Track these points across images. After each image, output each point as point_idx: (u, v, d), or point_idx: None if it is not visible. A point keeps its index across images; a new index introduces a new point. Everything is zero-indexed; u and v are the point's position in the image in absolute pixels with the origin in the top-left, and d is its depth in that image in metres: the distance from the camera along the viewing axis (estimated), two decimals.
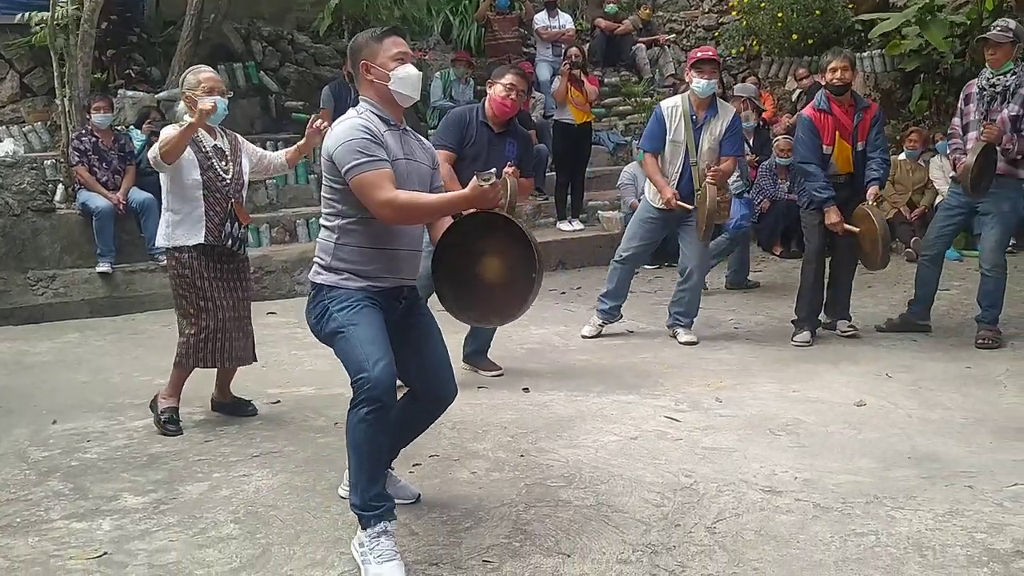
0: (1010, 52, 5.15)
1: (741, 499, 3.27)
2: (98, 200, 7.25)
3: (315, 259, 2.98)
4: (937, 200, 8.49)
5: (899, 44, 9.71)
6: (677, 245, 5.88)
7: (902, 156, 8.65)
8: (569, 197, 9.16)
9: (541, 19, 10.97)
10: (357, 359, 2.76)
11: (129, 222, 7.49)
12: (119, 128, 8.01)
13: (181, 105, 4.23)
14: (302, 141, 4.40)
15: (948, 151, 5.49)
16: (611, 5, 11.90)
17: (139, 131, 8.07)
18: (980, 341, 5.35)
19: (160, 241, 4.24)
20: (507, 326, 4.76)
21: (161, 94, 8.96)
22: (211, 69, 4.24)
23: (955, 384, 4.66)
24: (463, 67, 10.15)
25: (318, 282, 2.93)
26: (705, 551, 2.88)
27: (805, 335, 5.62)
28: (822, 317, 5.84)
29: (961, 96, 5.44)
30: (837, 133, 5.33)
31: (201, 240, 4.08)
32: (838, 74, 5.26)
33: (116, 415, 4.44)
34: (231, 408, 4.37)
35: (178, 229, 4.10)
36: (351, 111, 2.96)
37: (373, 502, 2.76)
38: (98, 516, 3.25)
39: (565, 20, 11.08)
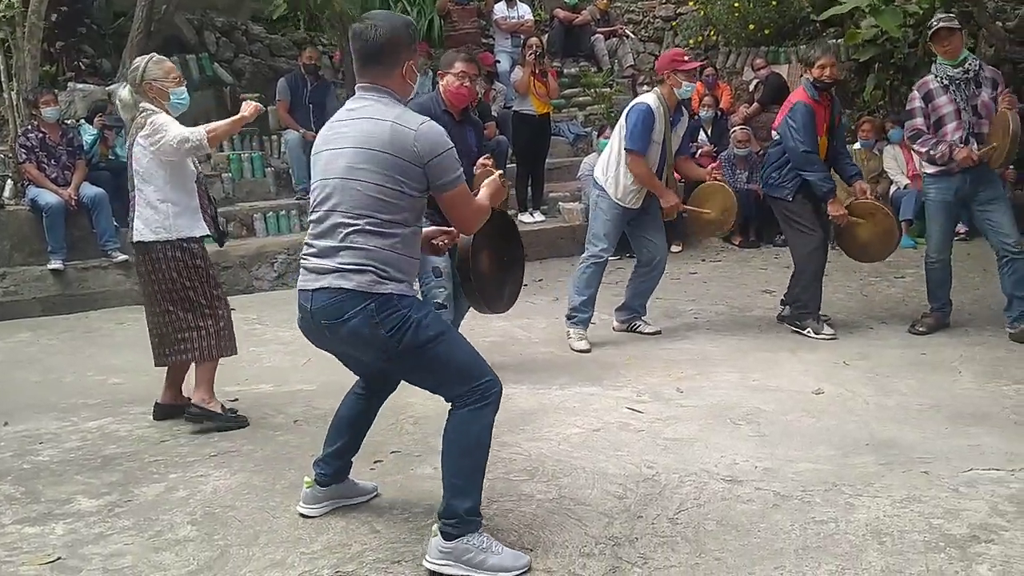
0: (962, 40, 5.21)
1: (703, 489, 3.29)
2: (48, 196, 7.10)
3: (366, 268, 2.63)
4: (892, 189, 8.64)
5: (855, 34, 9.82)
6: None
7: (856, 146, 8.76)
8: (529, 189, 9.15)
9: (500, 9, 10.94)
10: (472, 363, 2.73)
11: (80, 218, 7.34)
12: (68, 122, 7.83)
13: (124, 92, 4.01)
14: (235, 117, 4.21)
15: (925, 148, 5.26)
16: None
17: (90, 125, 7.90)
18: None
19: (152, 235, 3.93)
20: (468, 320, 4.79)
21: (112, 86, 8.77)
22: (164, 58, 4.13)
23: (911, 371, 4.73)
24: (423, 58, 10.06)
25: (385, 292, 2.63)
26: (667, 542, 2.88)
27: (827, 327, 5.49)
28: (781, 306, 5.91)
29: (917, 95, 5.33)
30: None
31: (206, 232, 4.08)
32: (827, 71, 5.25)
33: (69, 416, 4.34)
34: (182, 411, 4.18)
35: (180, 220, 3.96)
36: (395, 106, 2.72)
37: (479, 504, 2.78)
38: (51, 520, 3.17)
39: (524, 11, 11.06)
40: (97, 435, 4.06)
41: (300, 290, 2.77)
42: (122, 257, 7.16)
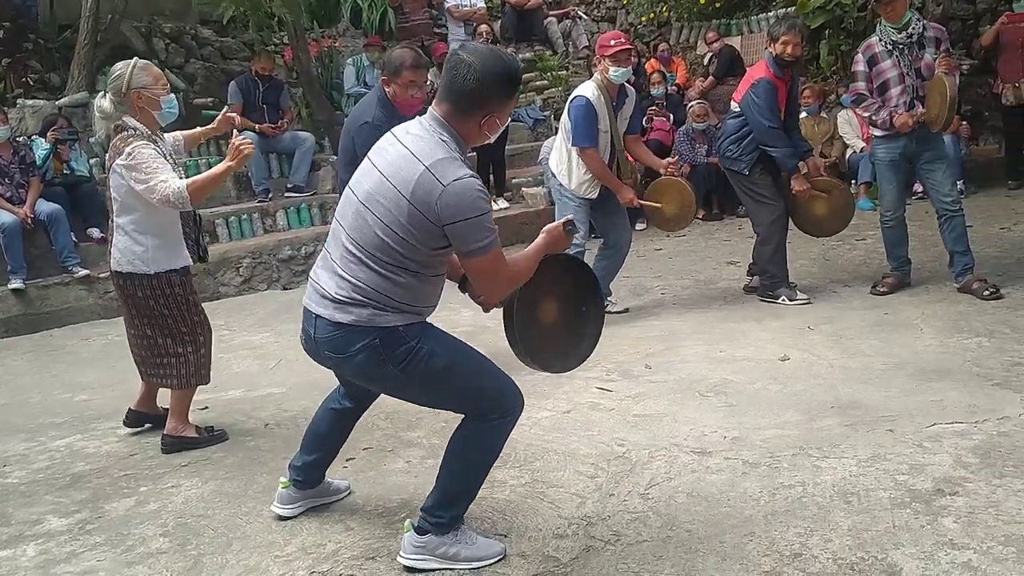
0: (906, 3, 5.25)
1: (673, 463, 3.32)
2: (3, 216, 6.98)
3: (365, 303, 2.47)
4: (848, 153, 8.72)
5: (806, 3, 9.87)
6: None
7: (803, 114, 8.82)
8: (491, 176, 9.14)
9: None
10: (490, 384, 2.60)
11: (39, 235, 7.24)
12: (19, 139, 7.70)
13: (105, 102, 3.72)
14: (209, 125, 4.23)
15: (868, 113, 5.38)
16: None
17: (43, 140, 7.78)
18: (989, 297, 5.08)
19: (130, 266, 3.76)
20: (436, 311, 4.78)
21: (63, 100, 8.66)
22: (150, 62, 3.87)
23: (874, 331, 4.79)
24: (376, 52, 10.01)
25: (388, 325, 2.47)
26: (639, 518, 2.91)
27: (799, 293, 5.57)
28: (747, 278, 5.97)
29: (861, 58, 5.36)
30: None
31: (188, 263, 3.89)
32: (790, 48, 5.24)
33: (37, 436, 4.29)
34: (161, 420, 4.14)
35: (159, 253, 3.76)
36: (444, 151, 2.42)
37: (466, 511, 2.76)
38: (22, 542, 3.14)
39: None
40: (65, 453, 4.02)
41: (305, 307, 2.63)
42: (83, 272, 7.07)
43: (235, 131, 3.87)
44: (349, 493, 3.26)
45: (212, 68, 10.42)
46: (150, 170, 3.55)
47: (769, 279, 5.64)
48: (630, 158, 5.57)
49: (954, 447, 3.22)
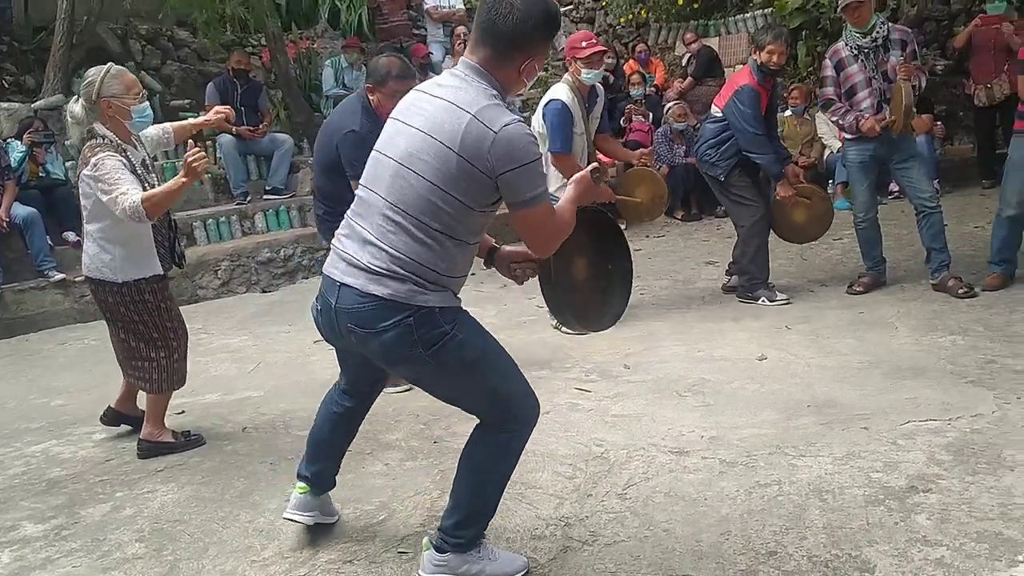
0: (871, 7, 5.31)
1: (651, 463, 3.33)
2: None
3: (405, 276, 2.29)
4: (826, 154, 8.79)
5: (784, 4, 9.95)
6: None
7: (788, 113, 8.90)
8: None
9: None
10: (514, 386, 2.47)
11: (14, 239, 7.17)
12: None
13: (77, 107, 3.64)
14: (202, 117, 4.17)
15: (835, 118, 5.48)
16: None
17: (18, 143, 7.70)
18: (963, 295, 5.16)
19: (99, 274, 3.71)
20: None
21: (39, 103, 8.58)
22: (124, 69, 3.79)
23: (850, 330, 4.83)
24: (355, 53, 10.00)
25: (426, 305, 2.29)
26: (617, 518, 2.92)
27: (779, 294, 5.61)
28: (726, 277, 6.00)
29: (829, 64, 5.43)
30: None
31: (158, 272, 3.81)
32: (775, 57, 5.29)
33: (12, 441, 4.25)
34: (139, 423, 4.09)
35: (127, 263, 3.70)
36: (487, 97, 2.26)
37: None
38: None
39: (455, 0, 11.03)
40: (41, 459, 3.98)
41: (327, 276, 2.42)
42: (59, 276, 7.01)
43: (190, 143, 3.76)
44: (338, 519, 3.08)
45: (189, 70, 10.36)
46: (112, 181, 3.48)
47: (748, 280, 5.67)
48: (603, 157, 5.56)
49: (928, 445, 3.26)
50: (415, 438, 3.80)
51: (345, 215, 2.46)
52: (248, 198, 8.54)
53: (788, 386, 4.07)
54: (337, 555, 2.84)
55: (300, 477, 2.90)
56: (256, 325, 6.42)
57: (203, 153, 3.41)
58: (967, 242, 6.44)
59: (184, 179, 3.38)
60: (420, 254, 2.29)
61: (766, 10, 10.27)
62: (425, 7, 10.91)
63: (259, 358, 5.45)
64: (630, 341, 5.04)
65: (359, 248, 2.35)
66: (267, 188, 8.73)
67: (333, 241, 2.47)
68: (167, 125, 4.24)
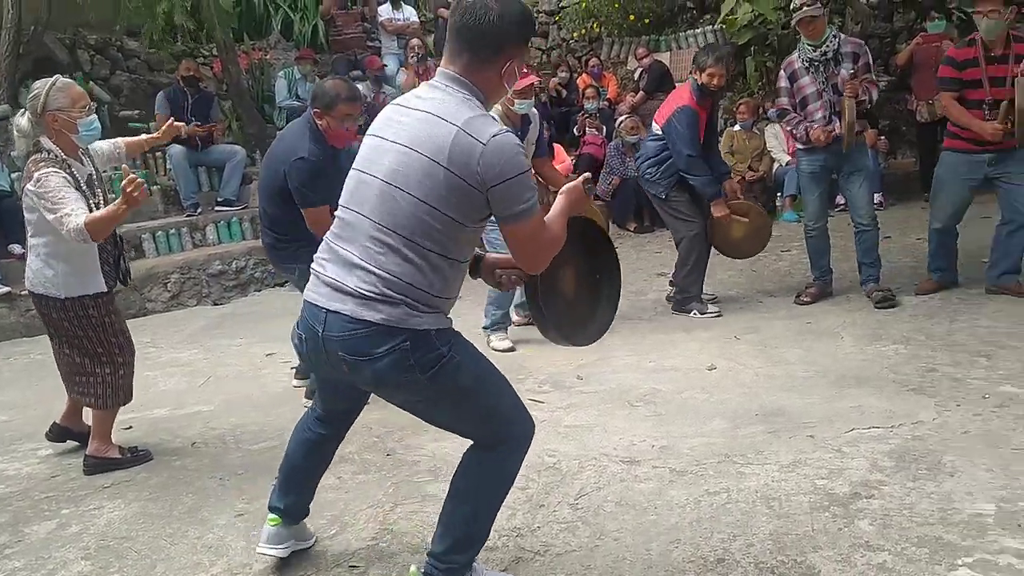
0: (824, 21, 5.44)
1: (602, 472, 3.36)
2: None
3: (397, 300, 2.19)
4: (775, 167, 8.95)
5: (734, 21, 10.12)
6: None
7: (737, 127, 9.05)
8: None
9: (385, 11, 10.91)
10: (510, 407, 2.41)
11: None
12: None
13: (23, 120, 3.59)
14: (154, 134, 4.15)
15: (790, 127, 5.65)
16: None
17: None
18: (879, 303, 5.36)
19: (42, 289, 3.65)
20: None
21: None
22: (71, 81, 3.73)
23: (797, 340, 4.93)
24: (308, 64, 9.94)
25: (421, 328, 2.21)
26: (568, 528, 2.94)
27: (711, 306, 5.70)
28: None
29: (783, 75, 5.58)
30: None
31: (102, 289, 3.73)
32: (715, 79, 5.36)
33: None
34: (85, 438, 4.02)
35: (71, 279, 3.64)
36: (470, 108, 2.19)
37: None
38: None
39: (409, 12, 11.07)
40: None
41: (309, 303, 2.31)
42: (4, 289, 6.85)
43: (125, 166, 3.69)
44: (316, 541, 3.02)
45: (139, 80, 10.22)
46: (56, 200, 3.40)
47: (682, 294, 5.79)
48: (541, 181, 5.53)
49: (871, 451, 3.34)
50: (368, 451, 3.78)
51: (324, 238, 2.37)
52: (199, 210, 8.44)
53: (737, 395, 4.14)
54: (288, 570, 2.81)
55: (272, 509, 2.78)
56: (207, 338, 6.34)
57: (139, 180, 3.31)
58: (909, 253, 6.61)
59: (123, 205, 3.30)
60: (412, 275, 2.20)
61: (715, 27, 10.44)
62: (379, 19, 10.90)
63: (210, 372, 5.38)
64: (583, 352, 5.06)
65: (344, 272, 2.24)
66: (219, 200, 8.64)
67: (313, 265, 2.36)
68: (119, 141, 4.20)
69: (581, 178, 2.51)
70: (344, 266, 2.25)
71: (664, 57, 10.80)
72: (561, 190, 2.46)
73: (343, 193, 2.35)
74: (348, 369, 2.27)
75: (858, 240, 5.56)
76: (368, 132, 2.35)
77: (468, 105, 2.19)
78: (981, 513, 2.80)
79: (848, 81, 5.31)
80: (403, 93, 8.22)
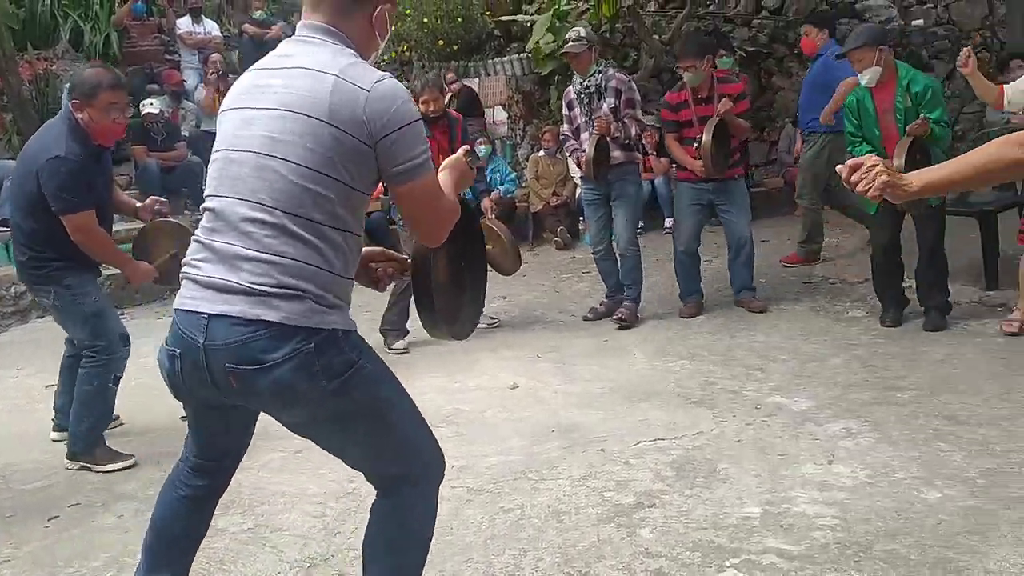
0: (590, 57, 5.77)
1: None
2: None
3: (301, 293, 1.88)
4: (578, 192, 9.31)
5: (540, 50, 10.46)
6: None
7: (541, 153, 9.36)
8: None
9: (185, 24, 10.51)
10: (419, 432, 2.13)
11: None
12: None
13: None
14: None
15: (568, 153, 6.06)
16: (259, 11, 11.59)
17: None
18: (622, 319, 5.72)
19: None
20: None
21: None
22: None
23: (594, 358, 5.14)
24: None
25: (327, 327, 1.91)
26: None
27: (398, 342, 5.67)
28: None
29: (564, 103, 5.97)
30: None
31: None
32: (431, 106, 5.42)
33: None
34: None
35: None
36: (346, 56, 1.96)
37: None
38: None
39: (211, 26, 10.72)
40: None
41: (184, 311, 1.94)
42: None
43: None
44: None
45: None
46: None
47: (386, 326, 5.70)
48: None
49: (655, 462, 3.52)
50: (152, 487, 3.56)
51: (193, 238, 2.02)
52: None
53: (536, 412, 4.26)
54: None
55: None
56: None
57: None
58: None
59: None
60: (311, 256, 1.90)
61: (521, 56, 10.76)
62: (178, 32, 10.46)
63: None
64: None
65: (229, 268, 1.90)
66: None
67: (185, 270, 1.99)
68: None
69: (462, 150, 2.31)
70: (228, 261, 1.91)
71: (473, 83, 11.01)
72: (443, 166, 2.20)
73: (208, 181, 2.03)
74: (237, 384, 1.90)
75: (621, 264, 5.92)
76: (224, 108, 2.07)
77: (344, 53, 1.97)
78: (749, 516, 3.01)
79: (598, 116, 5.66)
80: (202, 110, 7.99)
